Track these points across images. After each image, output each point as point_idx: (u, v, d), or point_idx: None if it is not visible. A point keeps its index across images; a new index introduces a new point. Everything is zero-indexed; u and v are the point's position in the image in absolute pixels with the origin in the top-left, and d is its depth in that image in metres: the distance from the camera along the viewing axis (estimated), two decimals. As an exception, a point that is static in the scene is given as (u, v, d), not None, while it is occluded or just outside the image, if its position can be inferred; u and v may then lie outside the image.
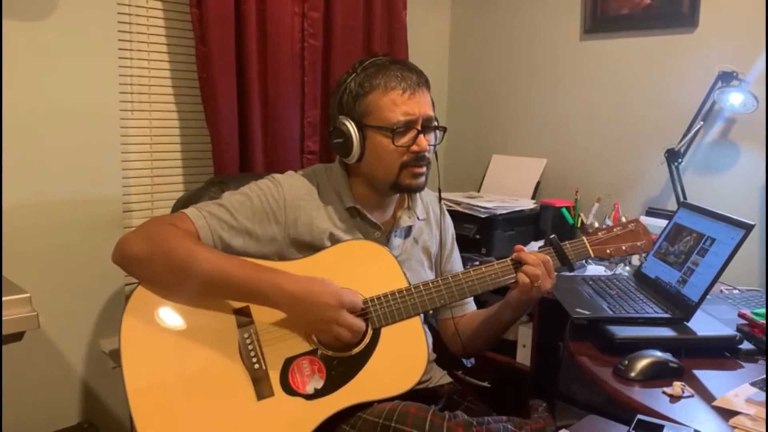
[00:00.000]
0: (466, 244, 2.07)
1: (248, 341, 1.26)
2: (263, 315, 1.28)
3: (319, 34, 2.18)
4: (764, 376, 1.14)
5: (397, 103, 1.35)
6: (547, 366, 1.99)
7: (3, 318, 1.25)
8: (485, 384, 2.01)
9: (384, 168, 1.39)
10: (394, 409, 1.21)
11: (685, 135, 2.02)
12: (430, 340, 1.49)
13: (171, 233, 1.28)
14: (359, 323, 1.26)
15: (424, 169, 1.40)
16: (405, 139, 1.37)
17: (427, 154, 1.39)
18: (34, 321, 1.29)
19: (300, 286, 1.24)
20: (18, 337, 1.31)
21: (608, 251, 1.43)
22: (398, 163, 1.37)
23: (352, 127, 1.38)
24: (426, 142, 1.38)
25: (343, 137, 1.39)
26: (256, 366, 1.25)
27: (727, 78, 1.94)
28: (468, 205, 2.17)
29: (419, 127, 1.37)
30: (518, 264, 1.36)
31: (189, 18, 1.94)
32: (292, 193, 1.40)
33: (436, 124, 1.43)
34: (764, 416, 1.04)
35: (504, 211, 2.14)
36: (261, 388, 1.23)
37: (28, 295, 1.30)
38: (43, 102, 1.77)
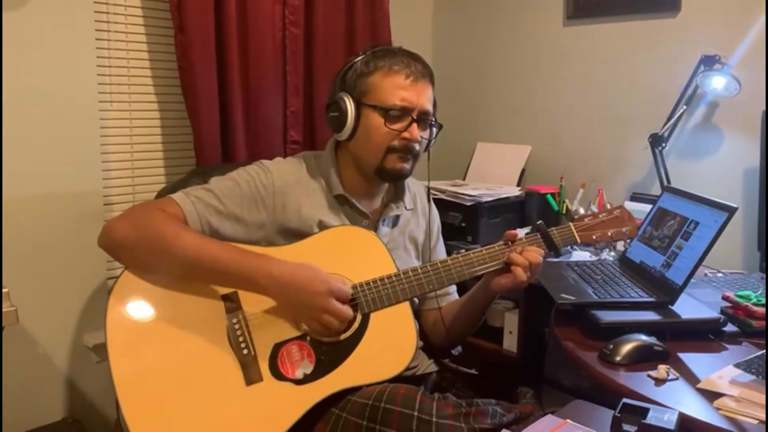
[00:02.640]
0: (451, 232, 2.07)
1: (237, 327, 1.25)
2: (251, 301, 1.27)
3: (300, 22, 2.15)
4: (748, 357, 1.14)
5: (398, 87, 1.37)
6: (533, 352, 1.99)
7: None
8: (472, 371, 2.01)
9: (371, 148, 1.39)
10: (384, 391, 1.20)
11: (668, 119, 2.02)
12: (417, 326, 1.49)
13: (157, 218, 1.27)
14: (347, 311, 1.26)
15: (409, 158, 1.41)
16: (398, 125, 1.37)
17: (416, 146, 1.39)
18: (13, 316, 1.27)
19: (288, 272, 1.24)
20: (-3, 332, 1.29)
21: (594, 237, 1.44)
22: (386, 146, 1.38)
23: (350, 103, 1.38)
24: (417, 132, 1.38)
25: (339, 111, 1.39)
26: (245, 352, 1.24)
27: (709, 62, 1.94)
28: (453, 193, 2.17)
29: (415, 116, 1.38)
30: (507, 246, 1.36)
31: (167, 7, 1.90)
32: (281, 179, 1.40)
33: (432, 120, 1.43)
34: (748, 397, 1.04)
35: (489, 199, 2.14)
36: (250, 373, 1.23)
37: (6, 290, 1.28)
38: (19, 95, 1.74)
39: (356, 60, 1.42)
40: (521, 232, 1.42)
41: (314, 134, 2.25)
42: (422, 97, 1.39)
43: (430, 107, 1.41)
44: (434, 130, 1.44)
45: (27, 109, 1.76)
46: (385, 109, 1.36)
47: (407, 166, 1.41)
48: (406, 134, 1.37)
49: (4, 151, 1.72)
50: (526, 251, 1.34)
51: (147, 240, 1.24)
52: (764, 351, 1.17)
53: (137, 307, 1.24)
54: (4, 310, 1.26)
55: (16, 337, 1.77)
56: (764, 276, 1.73)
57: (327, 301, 1.23)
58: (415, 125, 1.38)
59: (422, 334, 1.55)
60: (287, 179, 1.41)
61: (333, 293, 1.24)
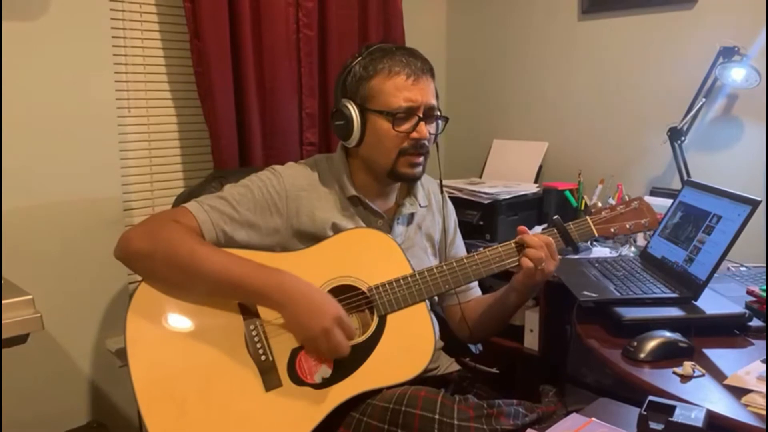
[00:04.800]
0: (469, 231, 2.06)
1: (254, 333, 1.26)
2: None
3: (313, 23, 2.16)
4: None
5: (400, 89, 1.35)
6: (555, 350, 1.98)
7: (6, 321, 1.24)
8: (494, 370, 2.00)
9: (382, 153, 1.38)
10: (404, 394, 1.20)
11: (687, 112, 2.00)
12: (437, 328, 1.48)
13: (173, 230, 1.27)
14: (346, 346, 1.23)
15: (421, 159, 1.40)
16: (406, 126, 1.36)
17: (426, 142, 1.39)
18: (38, 323, 1.28)
19: (303, 290, 1.24)
20: (23, 339, 1.30)
21: (612, 230, 1.42)
22: (397, 149, 1.37)
23: (353, 110, 1.37)
24: (426, 130, 1.37)
25: (344, 119, 1.38)
26: (263, 357, 1.24)
27: (728, 53, 1.91)
28: (470, 192, 2.16)
29: (421, 115, 1.36)
30: (522, 247, 1.35)
31: (182, 12, 1.92)
32: (293, 183, 1.40)
33: (438, 113, 1.42)
34: (777, 393, 1.03)
35: (507, 196, 2.13)
36: (269, 379, 1.23)
37: (30, 296, 1.28)
38: (39, 103, 1.76)
39: (353, 63, 1.39)
40: (539, 229, 1.41)
41: (330, 135, 2.25)
42: (425, 93, 1.37)
43: (434, 101, 1.40)
44: (440, 123, 1.43)
45: (46, 117, 1.78)
46: (391, 113, 1.35)
47: (419, 169, 1.41)
48: (414, 134, 1.36)
49: (24, 159, 1.75)
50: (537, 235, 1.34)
51: (163, 254, 1.24)
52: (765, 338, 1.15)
53: (155, 319, 1.24)
54: (29, 316, 1.26)
55: (39, 343, 1.79)
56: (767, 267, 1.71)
57: (333, 327, 1.20)
58: (422, 123, 1.37)
59: (445, 331, 1.55)
60: (299, 183, 1.41)
61: (342, 323, 1.22)
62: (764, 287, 1.40)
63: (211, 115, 1.97)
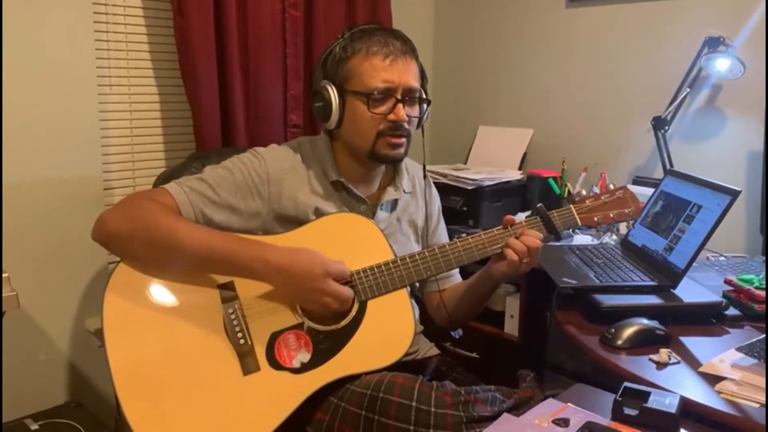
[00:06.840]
0: (453, 216, 2.06)
1: (233, 316, 1.25)
2: (248, 290, 1.27)
3: (300, 3, 2.13)
4: (750, 341, 1.14)
5: (377, 69, 1.33)
6: (535, 336, 1.99)
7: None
8: (473, 355, 2.01)
9: (360, 135, 1.37)
10: (382, 380, 1.20)
11: (671, 102, 2.00)
12: (417, 312, 1.48)
13: (151, 209, 1.26)
14: (346, 291, 1.25)
15: (402, 140, 1.38)
16: (382, 108, 1.35)
17: (405, 125, 1.37)
18: (14, 301, 1.27)
19: (285, 258, 1.24)
20: (-2, 317, 1.29)
21: (596, 219, 1.42)
22: (374, 131, 1.35)
23: (332, 92, 1.36)
24: (404, 112, 1.35)
25: (323, 101, 1.37)
26: (242, 341, 1.24)
27: (713, 43, 1.91)
28: (454, 177, 2.16)
29: (399, 96, 1.35)
30: (505, 234, 1.34)
31: (166, -11, 1.89)
32: (275, 166, 1.38)
33: (421, 96, 1.40)
34: (749, 381, 1.04)
35: (491, 183, 2.13)
36: (247, 363, 1.22)
37: (6, 274, 1.27)
38: (18, 81, 1.73)
39: (335, 45, 1.38)
40: (522, 216, 1.41)
41: (315, 118, 2.23)
42: (405, 74, 1.35)
43: (414, 83, 1.37)
44: (424, 105, 1.41)
45: (26, 95, 1.75)
46: (367, 94, 1.33)
47: (400, 150, 1.39)
48: (391, 116, 1.34)
49: (3, 136, 1.71)
50: (524, 236, 1.33)
51: (141, 232, 1.23)
52: (766, 335, 1.17)
53: (133, 300, 1.23)
54: (5, 294, 1.25)
55: (17, 322, 1.77)
56: (766, 259, 1.73)
57: (325, 283, 1.23)
58: (400, 105, 1.34)
59: (425, 316, 1.55)
60: (282, 166, 1.39)
61: (330, 274, 1.24)
62: (742, 276, 1.41)
63: (194, 94, 1.95)
